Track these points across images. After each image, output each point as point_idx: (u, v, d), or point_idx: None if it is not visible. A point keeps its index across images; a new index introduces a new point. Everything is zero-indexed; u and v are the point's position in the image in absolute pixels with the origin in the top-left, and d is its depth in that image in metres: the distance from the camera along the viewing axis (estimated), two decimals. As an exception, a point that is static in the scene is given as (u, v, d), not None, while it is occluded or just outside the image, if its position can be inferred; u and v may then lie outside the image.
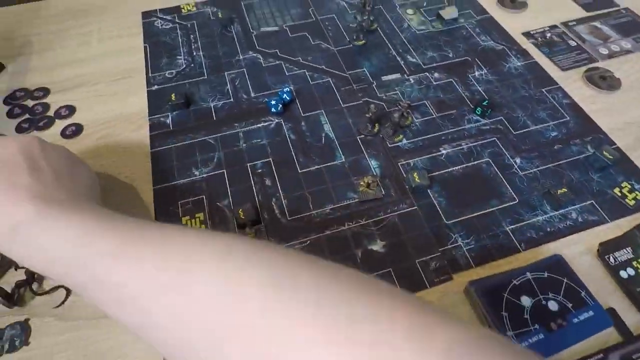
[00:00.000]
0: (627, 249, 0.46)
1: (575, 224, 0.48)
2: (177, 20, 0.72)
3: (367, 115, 0.53)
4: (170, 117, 0.58)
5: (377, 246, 0.45)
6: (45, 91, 0.62)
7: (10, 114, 0.59)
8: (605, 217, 0.48)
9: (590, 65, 0.65)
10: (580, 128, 0.57)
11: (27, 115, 0.59)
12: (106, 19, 0.73)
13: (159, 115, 0.58)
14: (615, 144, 0.55)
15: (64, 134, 0.57)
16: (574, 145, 0.55)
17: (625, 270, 0.44)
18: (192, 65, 0.64)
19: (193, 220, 0.47)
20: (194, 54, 0.66)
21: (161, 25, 0.71)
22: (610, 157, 0.51)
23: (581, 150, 0.54)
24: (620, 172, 0.52)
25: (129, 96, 0.61)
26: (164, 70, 0.64)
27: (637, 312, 0.42)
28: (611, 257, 0.45)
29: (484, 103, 0.56)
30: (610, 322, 0.39)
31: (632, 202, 0.49)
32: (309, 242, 0.46)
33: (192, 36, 0.69)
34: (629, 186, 0.51)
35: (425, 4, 0.75)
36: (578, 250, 0.46)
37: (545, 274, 0.42)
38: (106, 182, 0.51)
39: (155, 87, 0.62)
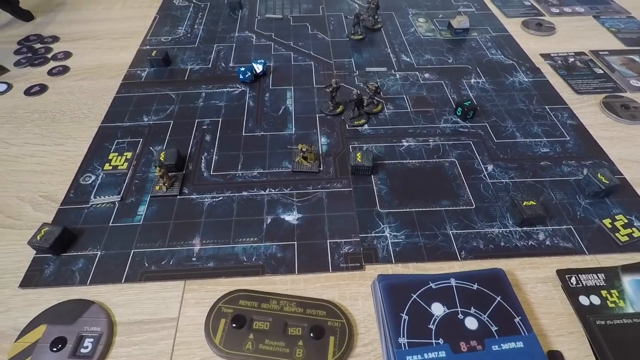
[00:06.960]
0: (598, 274, 0.35)
1: (539, 247, 0.38)
2: (193, 0, 0.75)
3: (327, 90, 0.49)
4: (146, 72, 0.58)
5: (291, 217, 0.40)
6: (55, 39, 0.67)
7: (16, 52, 0.64)
8: (583, 247, 0.38)
9: (613, 94, 0.56)
10: (580, 151, 0.48)
11: (29, 54, 0.63)
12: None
13: (137, 68, 0.59)
14: (621, 174, 0.45)
15: (50, 72, 0.59)
16: (566, 166, 0.46)
17: (588, 297, 0.34)
18: (189, 35, 0.66)
19: (120, 157, 0.45)
20: (195, 27, 0.68)
21: (178, 2, 0.74)
22: (606, 181, 0.42)
23: (574, 172, 0.45)
24: (619, 204, 0.42)
25: (121, 52, 0.63)
26: (161, 35, 0.66)
27: (595, 365, 0.31)
28: (573, 278, 0.35)
29: (466, 103, 0.50)
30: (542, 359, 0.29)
31: (624, 239, 0.39)
32: (221, 198, 0.41)
33: (200, 14, 0.71)
34: (625, 220, 0.40)
35: (440, 15, 0.71)
36: (534, 276, 0.36)
37: (475, 286, 0.33)
38: (59, 115, 0.52)
39: (147, 47, 0.63)
